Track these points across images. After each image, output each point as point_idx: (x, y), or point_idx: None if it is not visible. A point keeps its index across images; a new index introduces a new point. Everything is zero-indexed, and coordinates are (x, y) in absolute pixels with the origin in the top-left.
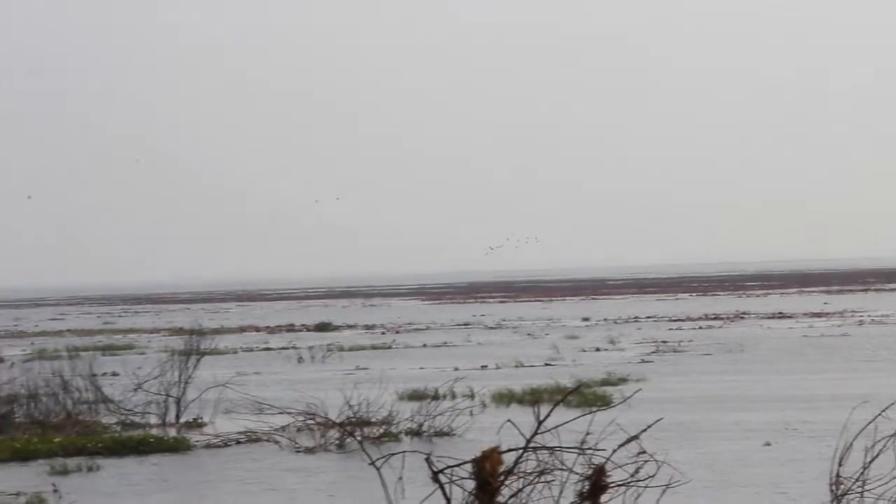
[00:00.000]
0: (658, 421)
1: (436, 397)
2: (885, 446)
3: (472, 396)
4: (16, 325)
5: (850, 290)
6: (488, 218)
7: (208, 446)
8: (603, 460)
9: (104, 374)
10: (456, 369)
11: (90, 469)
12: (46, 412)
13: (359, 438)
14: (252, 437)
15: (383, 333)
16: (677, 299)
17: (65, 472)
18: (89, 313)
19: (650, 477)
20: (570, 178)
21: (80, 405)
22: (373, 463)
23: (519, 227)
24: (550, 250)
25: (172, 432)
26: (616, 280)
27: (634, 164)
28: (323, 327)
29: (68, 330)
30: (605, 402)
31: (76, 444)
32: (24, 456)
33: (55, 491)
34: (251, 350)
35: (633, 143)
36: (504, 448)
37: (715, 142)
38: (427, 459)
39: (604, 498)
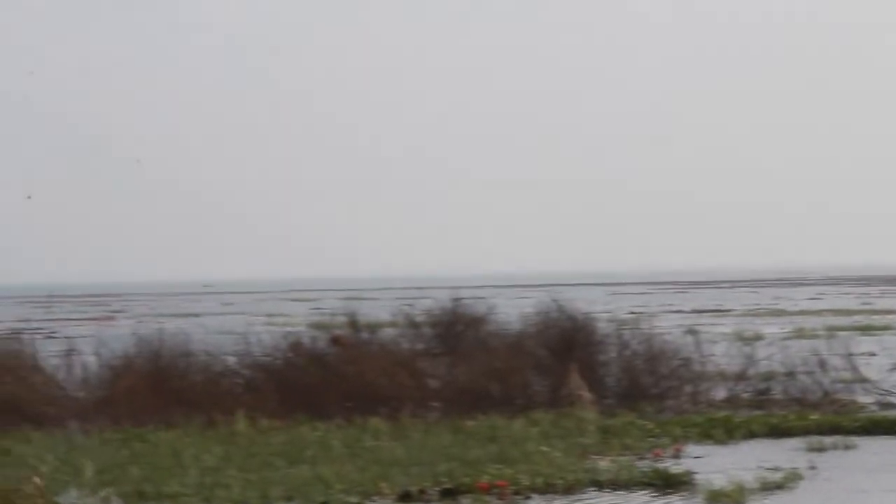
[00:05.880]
0: None
1: None
2: None
3: None
4: (775, 304)
5: None
6: None
7: None
8: None
9: (861, 353)
10: None
11: (846, 447)
12: (803, 390)
13: None
14: None
15: None
16: None
17: (821, 449)
18: (847, 293)
19: None
20: None
21: (836, 384)
22: None
23: None
24: None
25: None
26: None
27: None
28: None
29: (826, 310)
30: None
31: (832, 423)
32: (780, 432)
33: (812, 468)
34: None
35: None
36: None
37: None
38: None
39: None
